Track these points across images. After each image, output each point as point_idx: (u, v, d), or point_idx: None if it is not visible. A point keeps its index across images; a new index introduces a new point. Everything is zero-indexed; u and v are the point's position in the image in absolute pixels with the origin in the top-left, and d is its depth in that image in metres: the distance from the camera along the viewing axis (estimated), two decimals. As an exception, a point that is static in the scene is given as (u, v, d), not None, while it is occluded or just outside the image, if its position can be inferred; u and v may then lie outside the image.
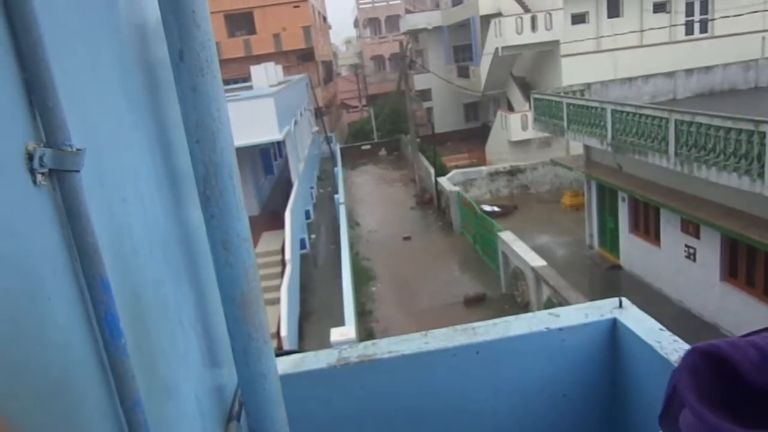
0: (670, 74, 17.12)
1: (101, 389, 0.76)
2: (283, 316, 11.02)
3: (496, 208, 20.51)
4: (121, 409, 0.79)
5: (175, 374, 1.08)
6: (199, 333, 1.29)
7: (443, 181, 21.76)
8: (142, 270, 1.00)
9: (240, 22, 32.59)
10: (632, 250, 14.79)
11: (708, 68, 17.18)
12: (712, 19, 22.94)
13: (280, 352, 1.91)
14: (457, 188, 20.54)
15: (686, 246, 12.56)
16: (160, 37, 1.18)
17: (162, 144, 1.22)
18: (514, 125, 24.73)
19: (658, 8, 23.69)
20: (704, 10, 23.84)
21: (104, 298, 0.74)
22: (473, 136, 33.48)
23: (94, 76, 0.91)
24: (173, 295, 1.15)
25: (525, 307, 13.29)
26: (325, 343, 9.21)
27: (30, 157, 0.65)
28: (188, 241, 1.31)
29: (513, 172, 23.27)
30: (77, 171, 0.71)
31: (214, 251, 1.29)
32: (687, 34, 23.82)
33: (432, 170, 23.37)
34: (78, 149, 0.71)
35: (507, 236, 14.45)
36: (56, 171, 0.69)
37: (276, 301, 11.57)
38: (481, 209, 17.99)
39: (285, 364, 1.83)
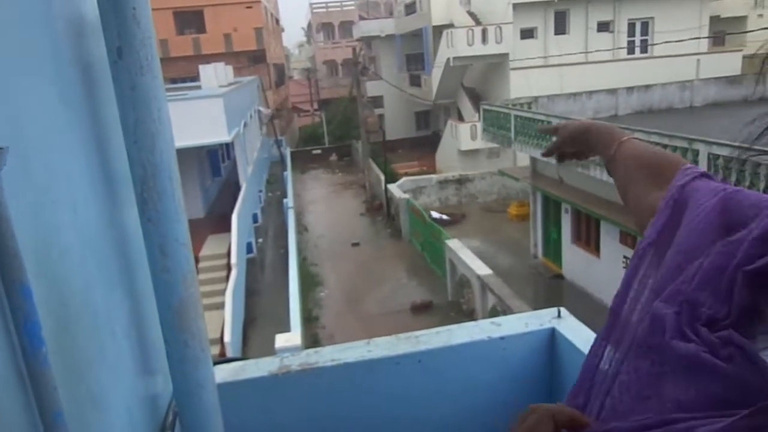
0: (612, 91, 17.82)
1: (18, 400, 0.72)
2: (227, 321, 10.81)
3: (444, 216, 20.77)
4: (41, 421, 0.75)
5: (105, 384, 1.04)
6: (133, 341, 1.25)
7: (393, 188, 21.88)
8: (71, 275, 0.96)
9: (189, 20, 31.92)
10: (574, 261, 15.25)
11: (647, 87, 17.98)
12: (653, 44, 24.02)
13: (220, 360, 1.86)
14: (406, 195, 20.69)
15: (624, 257, 13.06)
16: (97, 33, 1.14)
17: (98, 144, 1.17)
18: (464, 135, 25.15)
19: (603, 27, 24.65)
20: (645, 31, 24.95)
21: (24, 304, 0.70)
22: (424, 145, 33.83)
23: (23, 71, 0.87)
24: (105, 302, 1.10)
25: (470, 315, 13.49)
26: (269, 349, 9.07)
27: (-56, 155, 0.61)
28: (123, 246, 1.26)
29: (462, 181, 23.64)
30: (-2, 171, 0.67)
31: (150, 256, 1.24)
32: (629, 53, 24.86)
33: (382, 177, 23.48)
34: (0, 148, 0.67)
35: (454, 244, 14.64)
36: (-26, 170, 0.66)
37: (220, 306, 11.33)
38: (430, 217, 18.17)
39: (224, 373, 1.79)
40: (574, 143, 1.18)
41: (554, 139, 1.23)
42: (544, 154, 1.29)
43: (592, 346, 0.76)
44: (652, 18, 24.58)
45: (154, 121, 1.17)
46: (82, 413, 0.91)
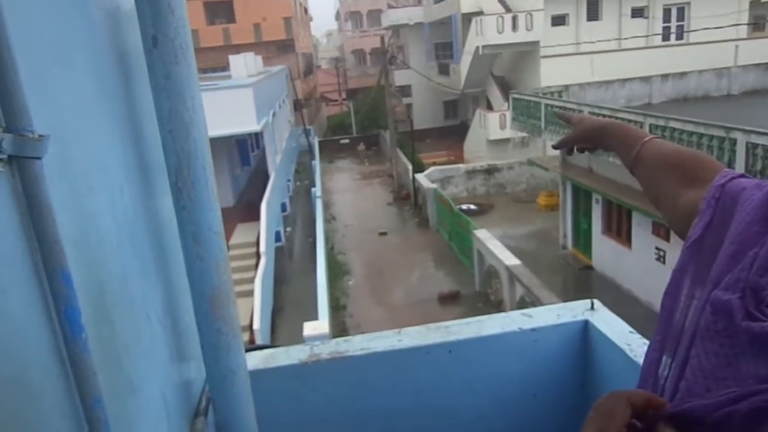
0: (646, 79, 17.40)
1: (60, 386, 0.73)
2: (257, 309, 10.95)
3: (472, 206, 20.63)
4: (81, 406, 0.76)
5: (140, 370, 1.05)
6: (167, 328, 1.26)
7: (421, 177, 21.80)
8: (109, 263, 0.97)
9: (219, 10, 32.18)
10: (604, 252, 15.02)
11: (683, 74, 17.51)
12: (689, 30, 23.36)
13: (251, 347, 1.88)
14: (434, 185, 20.60)
15: (656, 248, 12.81)
16: (133, 22, 1.14)
17: (133, 133, 1.18)
18: (493, 124, 24.89)
19: (636, 13, 24.06)
20: (681, 17, 24.27)
21: (65, 291, 0.71)
22: (452, 134, 33.61)
23: (62, 60, 0.88)
24: (140, 289, 1.12)
25: (498, 306, 13.42)
26: (297, 337, 9.17)
27: (-13, 142, 0.62)
28: (158, 234, 1.28)
29: (490, 171, 23.42)
30: (39, 158, 0.68)
31: (184, 244, 1.26)
32: (664, 40, 24.23)
33: (410, 166, 23.40)
34: (40, 135, 0.68)
35: (482, 234, 14.55)
36: (16, 157, 0.66)
37: (249, 294, 11.49)
38: (458, 207, 18.07)
39: (255, 360, 1.81)
40: (589, 140, 1.19)
41: (569, 131, 1.24)
42: (556, 146, 1.29)
43: (651, 343, 0.79)
44: (688, 3, 23.90)
45: (188, 109, 1.17)
46: (119, 399, 0.92)
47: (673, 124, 10.50)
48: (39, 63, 0.77)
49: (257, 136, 19.91)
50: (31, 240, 0.69)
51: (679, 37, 24.25)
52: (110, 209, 1.00)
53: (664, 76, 17.44)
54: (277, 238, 16.07)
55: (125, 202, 1.09)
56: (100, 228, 0.94)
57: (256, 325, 10.60)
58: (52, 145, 0.72)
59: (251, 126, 14.95)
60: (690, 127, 10.08)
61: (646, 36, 23.58)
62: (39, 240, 0.70)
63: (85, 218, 0.89)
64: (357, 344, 1.88)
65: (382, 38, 27.29)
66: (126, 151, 1.13)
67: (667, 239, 12.40)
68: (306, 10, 43.72)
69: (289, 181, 23.12)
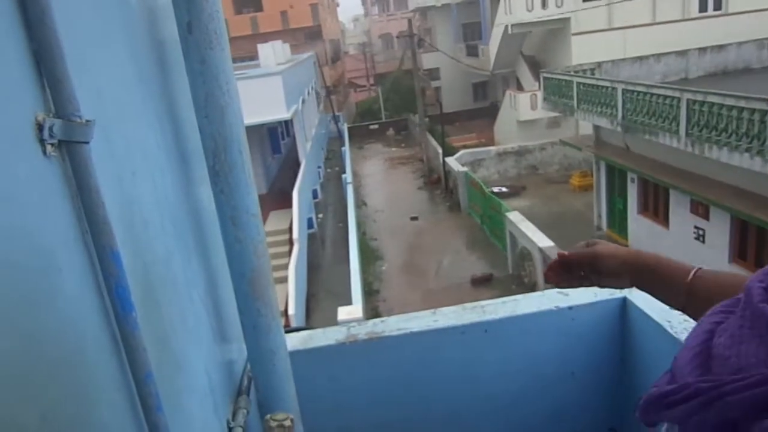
0: (682, 53, 16.86)
1: (113, 361, 0.76)
2: (291, 294, 11.09)
3: (504, 189, 20.43)
4: (133, 381, 0.79)
5: (186, 348, 1.09)
6: (209, 308, 1.30)
7: (451, 161, 21.64)
8: (153, 244, 1.00)
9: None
10: (640, 232, 14.72)
11: (721, 47, 16.90)
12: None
13: (289, 329, 1.92)
14: (465, 168, 20.44)
15: (695, 227, 12.49)
16: (168, 9, 1.17)
17: (171, 118, 1.21)
18: (523, 105, 24.49)
19: (671, -16, 23.23)
20: (718, -14, 23.35)
21: (115, 270, 0.74)
22: (482, 116, 33.23)
23: (103, 47, 0.90)
24: (183, 270, 1.15)
25: (532, 288, 13.30)
26: (332, 322, 9.25)
27: (40, 127, 0.64)
28: (198, 217, 1.31)
29: (521, 153, 23.11)
30: (87, 142, 0.71)
31: (223, 227, 1.28)
32: (701, 11, 23.37)
33: (440, 150, 23.24)
34: (87, 120, 0.70)
35: (515, 216, 14.41)
36: (66, 142, 0.69)
37: (284, 280, 11.63)
38: (490, 189, 17.92)
39: (294, 341, 1.84)
40: (640, 280, 1.02)
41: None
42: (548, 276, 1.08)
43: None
44: (726, -29, 22.97)
45: (223, 94, 1.19)
46: (168, 375, 0.96)
47: (711, 98, 10.17)
48: (82, 50, 0.80)
49: (287, 124, 20.05)
50: (82, 222, 0.72)
51: (717, 7, 23.36)
52: (153, 193, 1.03)
53: (702, 50, 16.85)
54: (310, 224, 16.21)
55: (166, 187, 1.11)
56: (144, 211, 0.97)
57: (291, 311, 10.74)
58: (97, 130, 0.74)
59: (281, 114, 15.05)
60: (730, 102, 9.74)
61: (682, 4, 22.77)
62: (89, 222, 0.72)
63: (130, 201, 0.92)
64: (393, 325, 1.90)
65: (410, 21, 27.03)
66: (165, 136, 1.16)
67: (707, 218, 12.09)
68: (332, -4, 43.58)
69: (319, 167, 23.24)
